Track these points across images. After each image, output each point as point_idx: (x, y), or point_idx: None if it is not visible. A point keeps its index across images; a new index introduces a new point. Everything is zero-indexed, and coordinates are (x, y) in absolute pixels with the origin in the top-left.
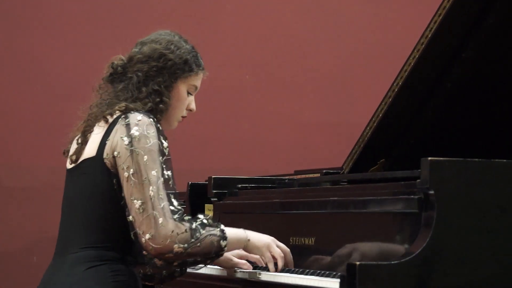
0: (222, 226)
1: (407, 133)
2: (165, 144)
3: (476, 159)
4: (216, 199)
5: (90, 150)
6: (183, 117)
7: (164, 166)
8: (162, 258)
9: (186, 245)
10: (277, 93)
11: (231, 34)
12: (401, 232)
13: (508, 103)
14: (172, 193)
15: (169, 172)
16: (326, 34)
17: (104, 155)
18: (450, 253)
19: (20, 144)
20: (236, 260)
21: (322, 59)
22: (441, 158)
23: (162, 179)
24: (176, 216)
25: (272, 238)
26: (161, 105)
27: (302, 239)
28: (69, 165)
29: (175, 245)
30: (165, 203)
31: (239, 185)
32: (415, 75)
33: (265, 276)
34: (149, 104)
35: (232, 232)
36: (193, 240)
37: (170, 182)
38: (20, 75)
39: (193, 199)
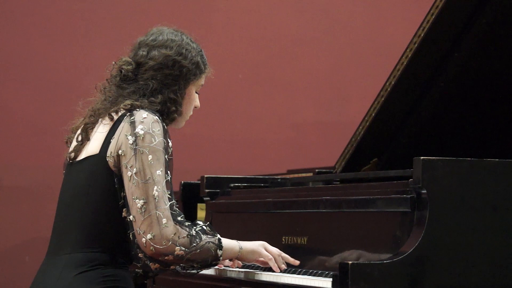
0: (218, 235)
1: (400, 132)
2: (170, 143)
3: (469, 159)
4: (208, 198)
5: (93, 148)
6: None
7: (166, 165)
8: (161, 261)
9: (186, 249)
10: (270, 92)
11: (224, 33)
12: (394, 231)
13: (501, 102)
14: (172, 194)
15: (169, 173)
16: (319, 33)
17: (108, 154)
18: (442, 252)
19: (13, 144)
20: None
21: (315, 58)
22: (434, 158)
23: (167, 179)
24: (179, 218)
25: (263, 242)
26: (175, 114)
27: (294, 238)
28: (68, 161)
29: (177, 248)
30: (169, 203)
31: (232, 185)
32: (408, 75)
33: (257, 276)
34: (156, 107)
35: (226, 242)
36: (193, 245)
37: (171, 183)
38: (17, 75)
39: (186, 199)
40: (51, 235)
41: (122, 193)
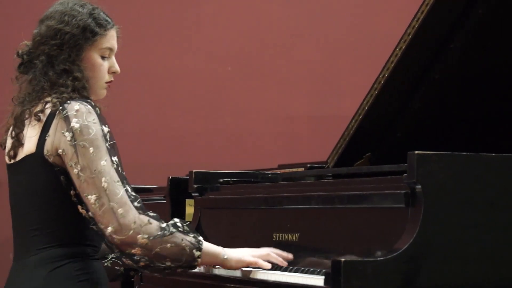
0: (200, 237)
1: (394, 126)
2: (106, 129)
3: (465, 153)
4: (197, 194)
5: (29, 147)
6: (108, 82)
7: (110, 152)
8: (129, 254)
9: (151, 237)
10: (260, 85)
11: (213, 23)
12: (388, 228)
13: (499, 95)
14: (124, 179)
15: (115, 158)
16: (311, 25)
17: (45, 152)
18: (437, 249)
19: None
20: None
21: (307, 50)
22: (429, 152)
23: (114, 166)
24: (136, 204)
25: (250, 249)
26: (76, 83)
27: (285, 235)
28: (8, 161)
29: (139, 236)
30: (122, 190)
31: (221, 180)
32: (402, 67)
33: (246, 273)
34: (70, 87)
35: (209, 247)
36: (159, 233)
37: (119, 168)
38: None
39: (174, 194)
40: (14, 240)
41: (71, 191)
